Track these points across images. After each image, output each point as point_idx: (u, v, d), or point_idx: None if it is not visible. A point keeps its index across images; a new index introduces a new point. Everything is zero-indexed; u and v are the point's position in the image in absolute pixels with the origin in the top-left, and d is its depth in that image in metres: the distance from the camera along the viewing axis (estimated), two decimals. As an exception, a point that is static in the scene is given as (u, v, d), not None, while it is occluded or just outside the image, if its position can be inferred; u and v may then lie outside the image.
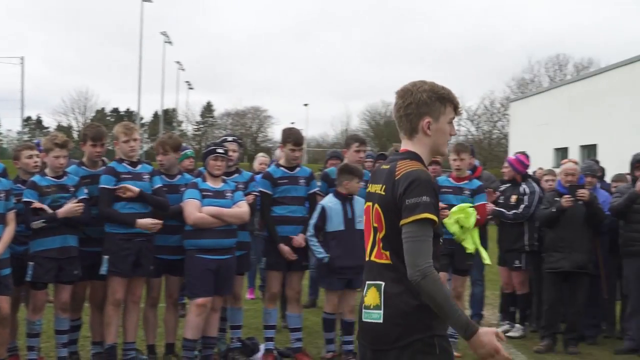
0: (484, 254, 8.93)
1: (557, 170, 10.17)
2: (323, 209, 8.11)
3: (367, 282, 3.72)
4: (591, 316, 9.99)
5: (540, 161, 24.80)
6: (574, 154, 30.19)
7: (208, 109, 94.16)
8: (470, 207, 8.58)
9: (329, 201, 8.17)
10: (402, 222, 3.45)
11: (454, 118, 3.77)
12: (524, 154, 10.77)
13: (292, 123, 62.91)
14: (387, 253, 3.61)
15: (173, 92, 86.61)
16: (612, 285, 10.00)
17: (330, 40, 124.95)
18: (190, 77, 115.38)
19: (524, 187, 10.03)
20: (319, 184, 8.71)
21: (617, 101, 26.77)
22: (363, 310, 3.71)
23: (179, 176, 8.09)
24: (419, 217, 3.42)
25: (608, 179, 11.78)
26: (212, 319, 7.77)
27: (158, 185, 7.68)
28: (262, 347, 8.44)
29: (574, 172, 9.44)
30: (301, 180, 8.34)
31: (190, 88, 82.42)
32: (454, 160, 8.87)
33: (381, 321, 3.59)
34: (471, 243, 8.63)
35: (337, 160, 10.09)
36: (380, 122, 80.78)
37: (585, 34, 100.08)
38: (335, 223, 8.09)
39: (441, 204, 8.73)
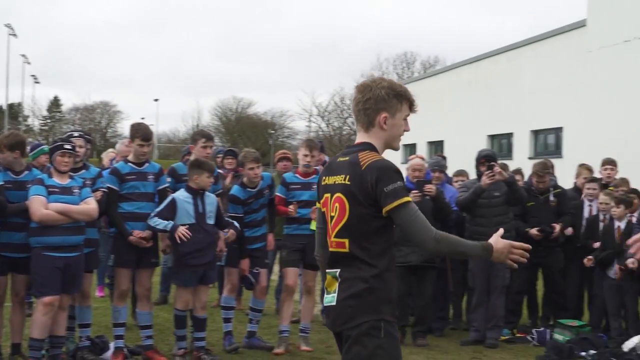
0: None
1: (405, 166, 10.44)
2: (173, 200, 7.95)
3: (327, 271, 3.98)
4: (438, 309, 10.25)
5: (389, 157, 25.32)
6: (422, 150, 31.00)
7: (55, 103, 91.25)
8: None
9: (181, 194, 8.05)
10: (388, 207, 3.71)
11: (408, 115, 4.02)
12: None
13: (142, 118, 61.56)
14: (346, 241, 3.84)
15: (18, 86, 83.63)
16: (458, 279, 10.32)
17: (181, 34, 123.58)
18: (36, 71, 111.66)
19: None
20: (168, 179, 8.62)
21: (462, 98, 27.64)
22: (325, 295, 3.97)
23: (26, 172, 7.79)
24: (404, 200, 3.71)
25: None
26: (59, 318, 7.50)
27: (-1, 182, 7.41)
28: (111, 345, 8.21)
29: (421, 168, 9.69)
30: (150, 176, 8.14)
31: (37, 82, 79.65)
32: (305, 156, 8.90)
33: (335, 304, 3.87)
34: None
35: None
36: (231, 118, 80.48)
37: (432, 33, 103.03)
38: (185, 216, 7.95)
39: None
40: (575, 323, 9.69)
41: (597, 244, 9.74)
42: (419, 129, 31.76)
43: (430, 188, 9.37)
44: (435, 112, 29.98)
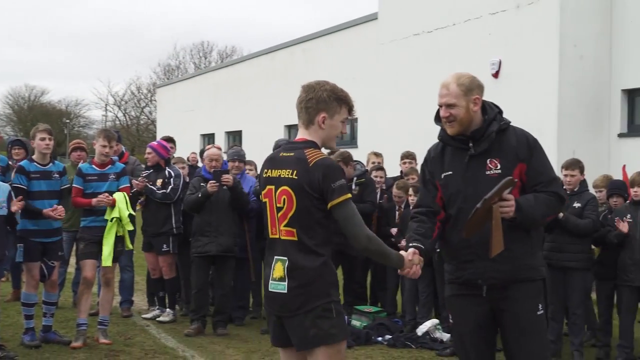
0: (127, 240, 8.91)
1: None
2: None
3: (275, 257, 4.30)
4: (238, 298, 10.28)
5: (189, 147, 25.12)
6: (220, 140, 30.95)
7: None
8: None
9: None
10: (334, 202, 4.14)
11: (347, 119, 4.42)
12: (168, 139, 10.94)
13: None
14: (294, 230, 4.22)
15: None
16: (258, 268, 10.37)
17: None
18: None
19: (168, 171, 10.15)
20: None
21: (259, 88, 27.81)
22: (270, 282, 4.31)
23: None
24: (347, 197, 4.16)
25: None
26: None
27: None
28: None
29: (218, 158, 9.69)
30: None
31: None
32: (103, 147, 8.77)
33: (286, 291, 4.22)
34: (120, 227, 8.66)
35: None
36: (24, 107, 77.07)
37: (229, 23, 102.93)
38: None
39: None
40: (372, 309, 9.98)
41: (394, 230, 10.04)
42: (217, 119, 31.81)
43: (227, 178, 9.36)
44: (233, 102, 30.01)
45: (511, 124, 4.96)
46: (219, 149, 10.06)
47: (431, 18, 16.88)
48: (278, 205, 4.28)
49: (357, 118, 21.78)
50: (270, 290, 4.33)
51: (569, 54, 13.78)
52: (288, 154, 4.34)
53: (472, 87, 4.86)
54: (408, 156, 11.36)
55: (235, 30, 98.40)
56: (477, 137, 4.88)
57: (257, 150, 14.90)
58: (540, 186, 4.83)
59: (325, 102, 4.31)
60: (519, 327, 4.80)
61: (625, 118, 14.23)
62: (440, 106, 4.91)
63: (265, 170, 4.45)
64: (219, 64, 49.98)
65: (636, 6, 13.75)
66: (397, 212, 10.24)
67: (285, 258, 4.25)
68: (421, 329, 9.27)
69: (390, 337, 9.20)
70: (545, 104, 13.82)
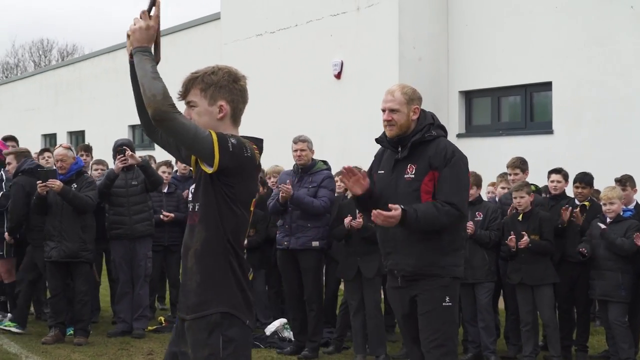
0: None
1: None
2: None
3: None
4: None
5: (31, 147, 24.30)
6: (63, 140, 30.15)
7: None
8: None
9: None
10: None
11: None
12: (7, 138, 10.73)
13: None
14: None
15: None
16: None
17: None
18: None
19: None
20: None
21: (102, 87, 27.28)
22: None
23: None
24: None
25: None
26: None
27: None
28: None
29: (63, 157, 9.31)
30: None
31: None
32: None
33: None
34: None
35: None
36: None
37: (69, 20, 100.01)
38: None
39: None
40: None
41: None
42: (59, 118, 30.95)
43: (53, 182, 8.95)
44: (74, 101, 29.30)
45: (443, 137, 5.57)
46: (68, 148, 9.69)
47: (274, 19, 17.01)
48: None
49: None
50: None
51: (408, 55, 14.19)
52: None
53: (413, 98, 5.53)
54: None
55: (76, 27, 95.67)
56: (403, 143, 5.47)
57: (102, 150, 14.58)
58: (441, 196, 5.35)
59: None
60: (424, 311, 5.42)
61: (464, 119, 14.76)
62: (384, 110, 5.52)
63: None
64: (59, 63, 48.59)
65: (471, 10, 14.30)
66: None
67: None
68: (269, 329, 9.38)
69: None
70: (386, 104, 14.18)
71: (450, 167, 5.39)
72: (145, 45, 3.78)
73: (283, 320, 9.46)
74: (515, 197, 8.55)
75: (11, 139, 11.37)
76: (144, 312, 9.75)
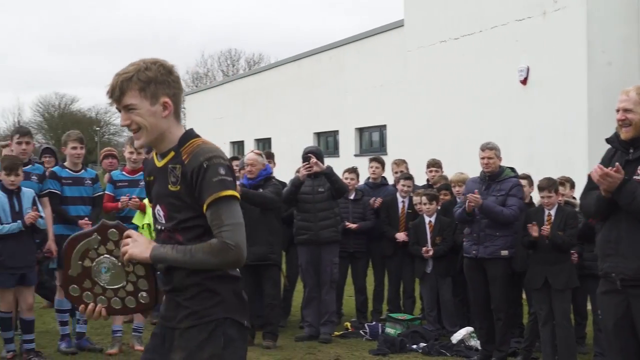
0: None
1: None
2: None
3: None
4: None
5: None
6: (250, 147, 31.08)
7: None
8: None
9: None
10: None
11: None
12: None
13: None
14: None
15: None
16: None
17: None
18: None
19: None
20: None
21: (287, 95, 27.90)
22: None
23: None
24: None
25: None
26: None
27: None
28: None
29: (253, 163, 9.52)
30: None
31: None
32: (131, 153, 8.97)
33: None
34: None
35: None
36: (54, 114, 77.73)
37: (256, 30, 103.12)
38: (2, 217, 7.87)
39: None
40: (406, 317, 10.04)
41: (400, 235, 10.35)
42: (246, 126, 31.95)
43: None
44: (261, 109, 30.11)
45: None
46: (259, 154, 9.92)
47: (457, 25, 16.91)
48: None
49: (385, 125, 21.87)
50: None
51: (597, 60, 13.75)
52: None
53: None
54: (434, 164, 11.39)
55: (262, 37, 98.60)
56: (636, 144, 5.36)
57: (288, 158, 14.99)
58: None
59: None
60: None
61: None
62: (618, 110, 5.40)
63: None
64: (247, 72, 50.18)
65: (664, 11, 13.71)
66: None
67: None
68: (456, 337, 9.34)
69: (425, 344, 9.26)
70: (575, 110, 13.80)
71: None
72: (150, 250, 3.58)
73: (470, 329, 9.38)
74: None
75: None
76: (330, 318, 9.90)
